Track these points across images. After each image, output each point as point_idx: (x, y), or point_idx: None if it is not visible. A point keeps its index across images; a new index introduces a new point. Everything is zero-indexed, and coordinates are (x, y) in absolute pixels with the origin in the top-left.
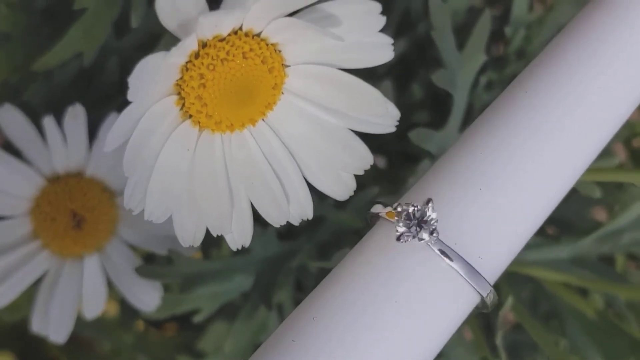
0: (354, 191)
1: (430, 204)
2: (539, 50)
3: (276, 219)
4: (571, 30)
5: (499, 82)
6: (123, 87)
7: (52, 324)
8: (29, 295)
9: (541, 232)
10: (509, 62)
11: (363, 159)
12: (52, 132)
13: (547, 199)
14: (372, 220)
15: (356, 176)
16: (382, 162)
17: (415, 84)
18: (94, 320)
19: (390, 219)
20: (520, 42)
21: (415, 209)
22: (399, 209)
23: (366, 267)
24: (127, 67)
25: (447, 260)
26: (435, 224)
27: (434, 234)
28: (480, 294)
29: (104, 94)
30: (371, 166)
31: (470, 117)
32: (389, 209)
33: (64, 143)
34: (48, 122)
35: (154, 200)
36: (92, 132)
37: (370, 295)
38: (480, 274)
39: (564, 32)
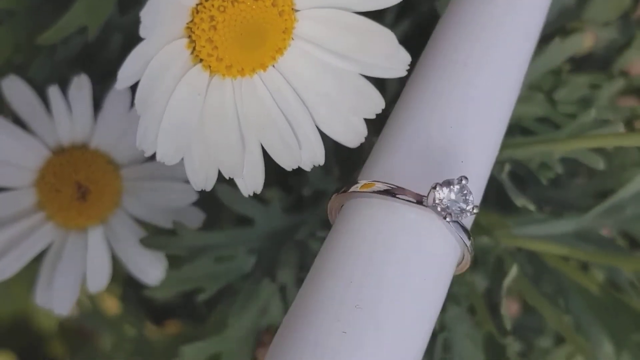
0: (358, 163)
1: (464, 182)
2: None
3: (288, 163)
4: None
5: None
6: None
7: (56, 297)
8: (27, 285)
9: (542, 211)
10: None
11: (374, 102)
12: (56, 102)
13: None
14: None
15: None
16: None
17: None
18: (96, 314)
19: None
20: None
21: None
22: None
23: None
24: (130, 43)
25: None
26: (472, 201)
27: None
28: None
29: (108, 70)
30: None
31: None
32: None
33: (68, 114)
34: (53, 92)
35: (166, 142)
36: (97, 106)
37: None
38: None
39: None
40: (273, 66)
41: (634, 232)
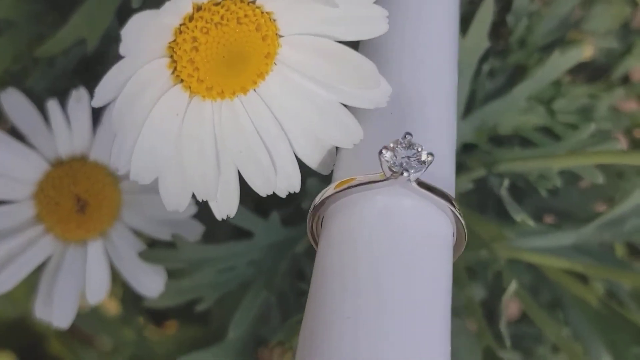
0: None
1: (409, 137)
2: (540, 41)
3: (262, 189)
4: None
5: (502, 71)
6: None
7: (56, 309)
8: (27, 289)
9: (541, 222)
10: (511, 51)
11: (353, 133)
12: (56, 115)
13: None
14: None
15: None
16: None
17: None
18: (96, 317)
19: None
20: (523, 32)
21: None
22: (385, 153)
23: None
24: None
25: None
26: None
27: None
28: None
29: None
30: None
31: (472, 104)
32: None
33: (67, 127)
34: (52, 105)
35: (141, 161)
36: (96, 118)
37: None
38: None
39: None
40: (254, 90)
41: (635, 243)
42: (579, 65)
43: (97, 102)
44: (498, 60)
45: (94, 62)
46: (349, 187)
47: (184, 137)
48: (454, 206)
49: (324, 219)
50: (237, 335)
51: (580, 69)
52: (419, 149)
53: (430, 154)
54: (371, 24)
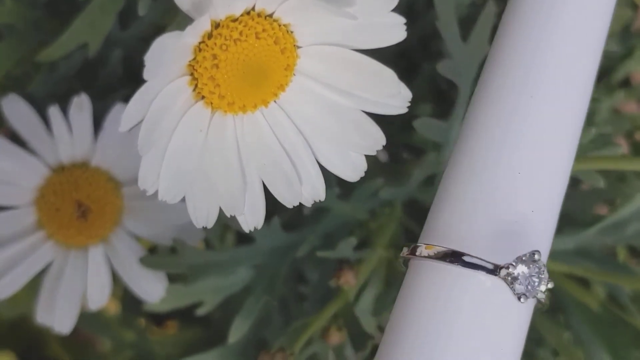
0: (359, 181)
1: (537, 256)
2: None
3: (289, 200)
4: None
5: None
6: (127, 79)
7: (57, 315)
8: (29, 291)
9: None
10: None
11: (375, 139)
12: (57, 121)
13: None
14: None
15: None
16: (384, 156)
17: (419, 75)
18: (96, 317)
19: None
20: None
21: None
22: (510, 270)
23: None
24: (131, 59)
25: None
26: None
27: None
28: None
29: (108, 86)
30: (374, 159)
31: None
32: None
33: (69, 133)
34: (53, 111)
35: (168, 181)
36: (97, 123)
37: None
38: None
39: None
40: (275, 102)
41: (637, 246)
42: None
43: (124, 127)
44: None
45: (95, 67)
46: (445, 257)
47: (208, 152)
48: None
49: (410, 265)
50: (238, 340)
51: None
52: (542, 276)
53: (551, 280)
54: (389, 31)
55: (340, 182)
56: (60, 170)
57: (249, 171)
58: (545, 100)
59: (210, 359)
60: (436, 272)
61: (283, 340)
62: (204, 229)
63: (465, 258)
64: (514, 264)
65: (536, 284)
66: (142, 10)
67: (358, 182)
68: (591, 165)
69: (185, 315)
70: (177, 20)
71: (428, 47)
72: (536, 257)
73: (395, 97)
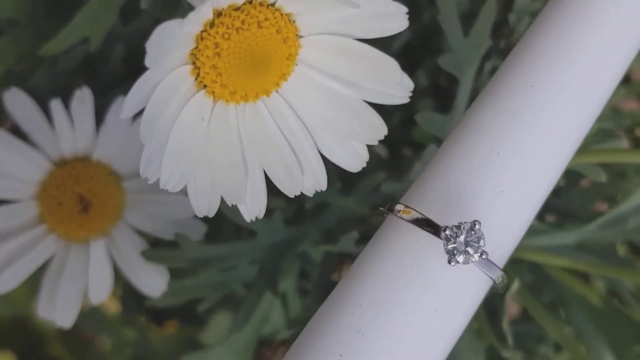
0: (360, 176)
1: (477, 226)
2: None
3: (290, 189)
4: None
5: None
6: (129, 74)
7: (58, 309)
8: (29, 289)
9: (543, 221)
10: None
11: (376, 128)
12: (59, 115)
13: (550, 175)
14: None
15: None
16: (384, 152)
17: (420, 71)
18: (96, 316)
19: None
20: (524, 31)
21: (464, 231)
22: (448, 232)
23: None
24: (132, 54)
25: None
26: (483, 246)
27: (483, 255)
28: (493, 280)
29: (110, 81)
30: (375, 155)
31: None
32: (414, 214)
33: (71, 126)
34: (55, 105)
35: (170, 169)
36: (99, 117)
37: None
38: (494, 264)
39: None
40: (277, 92)
41: (637, 242)
42: None
43: (126, 114)
44: (500, 59)
45: (97, 61)
46: (415, 220)
47: (210, 141)
48: (499, 274)
49: (384, 221)
50: (240, 335)
51: None
52: (479, 243)
53: (485, 252)
54: (391, 20)
55: (342, 177)
56: (62, 164)
57: (250, 160)
58: (541, 89)
59: (211, 355)
60: (403, 230)
61: (285, 334)
62: (206, 218)
63: (413, 214)
64: (454, 227)
65: (471, 252)
66: (144, 3)
67: (359, 176)
68: (593, 159)
69: (185, 314)
70: (180, 14)
71: (428, 44)
72: (476, 226)
73: (397, 86)
